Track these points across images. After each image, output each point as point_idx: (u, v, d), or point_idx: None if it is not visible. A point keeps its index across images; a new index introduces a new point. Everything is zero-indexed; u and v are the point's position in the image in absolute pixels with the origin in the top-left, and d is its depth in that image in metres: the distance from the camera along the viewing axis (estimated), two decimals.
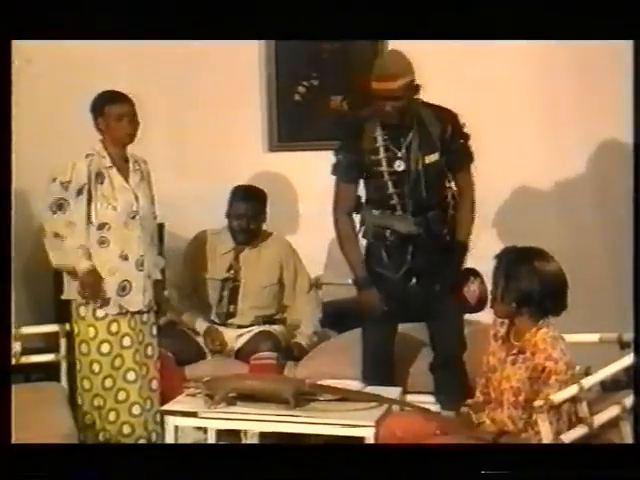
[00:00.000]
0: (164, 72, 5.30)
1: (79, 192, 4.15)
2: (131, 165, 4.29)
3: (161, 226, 4.98)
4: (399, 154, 4.17)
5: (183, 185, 5.13)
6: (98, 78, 4.87)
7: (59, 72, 5.18)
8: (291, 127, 5.50)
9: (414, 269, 4.25)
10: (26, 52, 4.12)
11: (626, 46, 3.54)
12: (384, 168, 4.18)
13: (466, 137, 4.23)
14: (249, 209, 4.78)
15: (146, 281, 4.28)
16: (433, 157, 4.18)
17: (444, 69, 4.90)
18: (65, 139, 4.73)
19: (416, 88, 4.10)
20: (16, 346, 4.34)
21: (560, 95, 5.03)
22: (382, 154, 4.18)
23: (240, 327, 4.79)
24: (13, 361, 4.25)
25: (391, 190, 4.19)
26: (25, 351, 4.41)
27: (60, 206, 4.14)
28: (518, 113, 5.10)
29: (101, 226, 4.21)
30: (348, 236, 4.31)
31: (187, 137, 5.48)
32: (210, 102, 5.38)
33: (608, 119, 4.84)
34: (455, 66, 4.92)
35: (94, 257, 4.20)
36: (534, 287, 3.45)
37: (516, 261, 3.48)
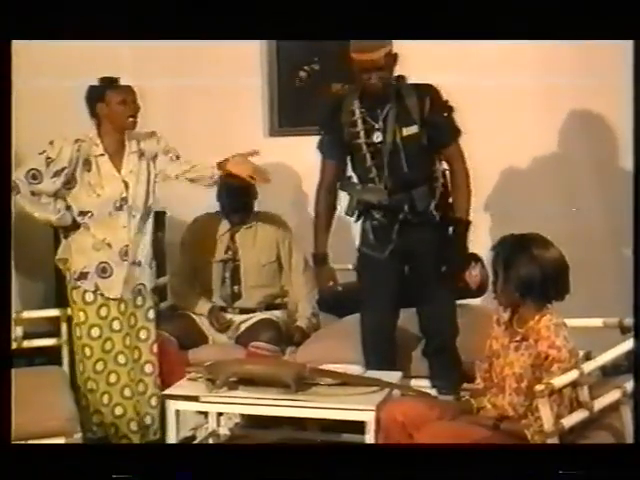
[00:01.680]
0: (166, 57, 5.29)
1: (56, 174, 4.16)
2: (127, 147, 4.29)
3: (162, 213, 5.00)
4: (376, 126, 4.16)
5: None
6: (100, 65, 4.86)
7: (60, 61, 5.17)
8: (292, 112, 5.50)
9: (400, 249, 4.22)
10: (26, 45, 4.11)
11: (626, 46, 3.54)
12: (362, 140, 4.18)
13: (449, 110, 4.18)
14: (238, 183, 4.74)
15: (132, 270, 4.28)
16: (412, 129, 4.14)
17: (443, 55, 4.90)
18: (66, 129, 4.71)
19: (395, 57, 4.10)
20: (18, 330, 4.36)
21: (560, 79, 5.02)
22: (360, 126, 4.18)
23: (243, 312, 4.79)
24: (15, 345, 4.28)
25: (369, 162, 4.19)
26: (27, 335, 4.42)
27: (34, 177, 4.15)
28: (517, 96, 5.09)
29: (82, 213, 4.23)
30: (322, 211, 4.35)
31: (188, 122, 5.47)
32: (212, 87, 5.37)
33: (608, 103, 4.84)
34: (456, 56, 4.91)
35: (74, 240, 4.26)
36: (535, 274, 3.43)
37: (514, 250, 3.47)
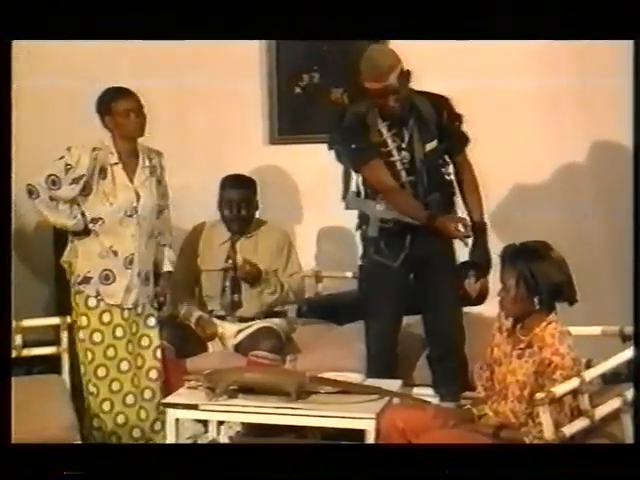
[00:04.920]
0: (165, 65, 5.29)
1: (74, 181, 4.18)
2: (140, 161, 4.32)
3: None
4: (403, 145, 4.19)
5: (184, 178, 5.12)
6: (101, 73, 4.87)
7: (61, 67, 5.18)
8: (292, 120, 5.50)
9: (413, 256, 4.23)
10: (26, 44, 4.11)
11: (626, 46, 3.54)
12: (396, 158, 4.19)
13: (460, 119, 4.25)
14: (238, 195, 4.76)
15: (135, 279, 4.29)
16: (432, 145, 4.20)
17: (445, 63, 4.91)
18: (68, 136, 4.71)
19: (408, 74, 4.11)
20: (17, 339, 4.35)
21: (561, 89, 5.02)
22: (391, 145, 4.19)
23: (242, 320, 4.78)
24: (15, 354, 4.27)
25: (404, 179, 4.19)
26: (27, 344, 4.42)
27: (53, 182, 4.17)
28: (519, 107, 5.09)
29: (94, 220, 4.24)
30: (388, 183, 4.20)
31: (188, 130, 5.48)
32: (211, 95, 5.38)
33: (608, 113, 4.84)
34: (457, 60, 4.91)
35: (82, 245, 4.27)
36: (563, 277, 3.45)
37: (536, 257, 3.45)
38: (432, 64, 4.74)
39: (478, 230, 4.23)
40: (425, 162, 4.18)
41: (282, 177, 5.36)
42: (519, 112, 5.09)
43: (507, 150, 5.01)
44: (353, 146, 4.23)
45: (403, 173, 4.20)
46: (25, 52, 4.37)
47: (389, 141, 4.19)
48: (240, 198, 4.77)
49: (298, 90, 5.49)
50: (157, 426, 4.34)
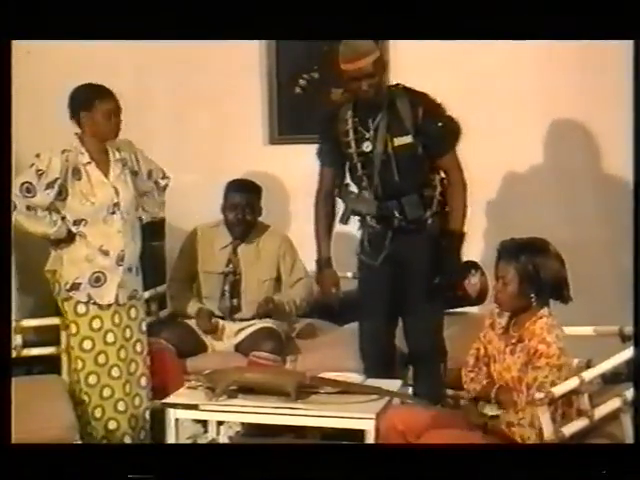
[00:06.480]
0: (165, 65, 5.29)
1: (48, 186, 4.12)
2: (111, 156, 4.26)
3: (161, 220, 4.99)
4: (367, 135, 4.16)
5: (184, 178, 5.12)
6: (99, 73, 4.87)
7: (60, 66, 5.17)
8: (292, 120, 5.49)
9: (393, 256, 4.22)
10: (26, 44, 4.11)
11: (626, 46, 3.54)
12: (353, 149, 4.19)
13: (444, 118, 4.15)
14: (243, 199, 4.78)
15: (126, 275, 4.25)
16: (404, 139, 4.13)
17: (444, 60, 4.91)
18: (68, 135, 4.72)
19: (384, 64, 4.11)
20: (17, 339, 4.35)
21: (561, 89, 5.02)
22: (351, 135, 4.18)
23: (242, 320, 4.78)
24: (15, 354, 4.26)
25: (360, 172, 4.20)
26: (26, 344, 4.41)
27: (28, 190, 4.11)
28: (516, 99, 5.09)
29: (77, 222, 4.19)
30: (322, 218, 4.37)
31: (188, 130, 5.47)
32: (211, 95, 5.38)
33: (608, 113, 4.84)
34: (455, 57, 4.91)
35: (66, 252, 4.22)
36: (563, 274, 3.46)
37: (538, 253, 3.45)
38: (432, 63, 4.75)
39: (453, 238, 4.16)
40: (396, 157, 4.13)
41: (282, 177, 5.36)
42: (519, 111, 5.09)
43: (507, 149, 5.01)
44: (320, 140, 4.33)
45: (359, 166, 4.20)
46: (25, 52, 4.37)
47: (350, 132, 4.18)
48: (244, 201, 4.78)
49: (298, 90, 5.49)
50: (142, 435, 4.32)
